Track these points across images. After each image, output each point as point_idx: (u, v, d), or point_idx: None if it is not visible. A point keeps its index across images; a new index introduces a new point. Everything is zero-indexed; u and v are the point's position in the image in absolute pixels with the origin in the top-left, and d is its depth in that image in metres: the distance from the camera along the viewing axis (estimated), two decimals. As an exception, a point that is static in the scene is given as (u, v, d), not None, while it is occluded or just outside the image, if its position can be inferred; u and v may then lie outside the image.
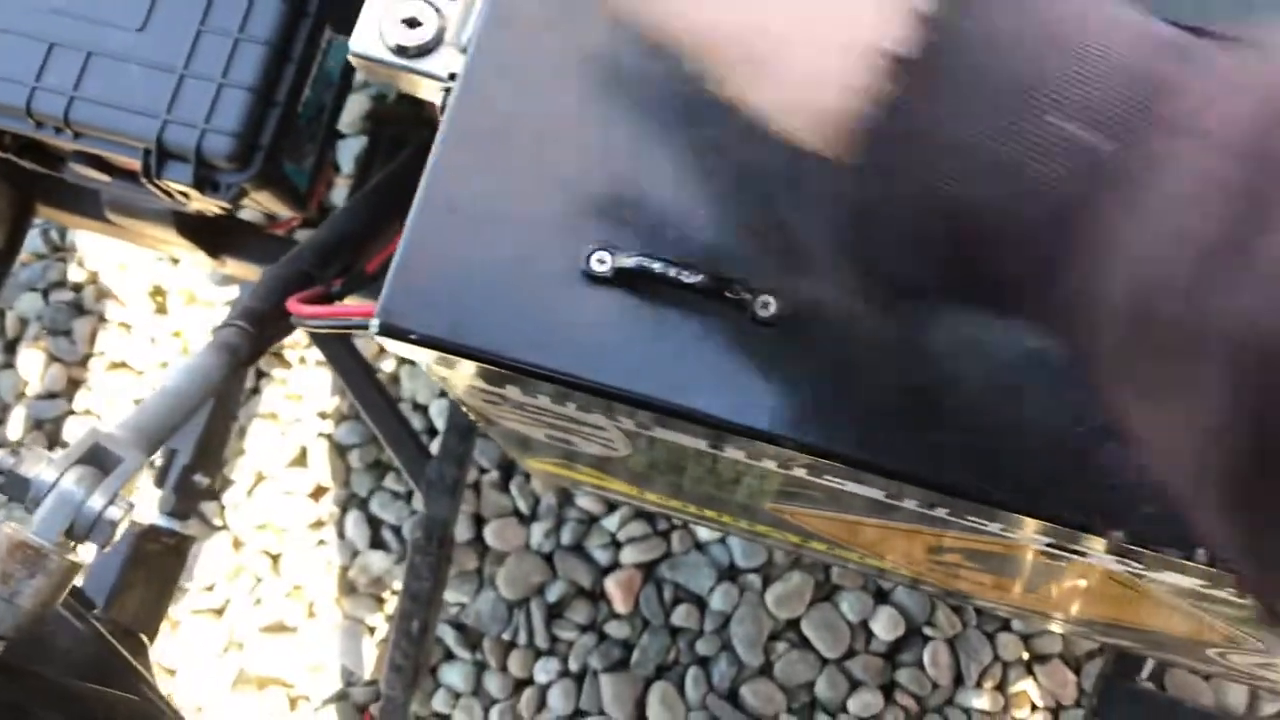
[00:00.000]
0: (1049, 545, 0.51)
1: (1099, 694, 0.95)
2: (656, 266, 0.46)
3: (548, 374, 0.47)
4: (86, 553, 0.55)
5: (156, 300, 1.38)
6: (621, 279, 0.47)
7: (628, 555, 1.27)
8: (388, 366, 1.33)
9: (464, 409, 0.69)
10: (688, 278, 0.46)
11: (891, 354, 0.46)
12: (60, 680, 0.54)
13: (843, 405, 0.46)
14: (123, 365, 1.37)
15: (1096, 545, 0.47)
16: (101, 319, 1.38)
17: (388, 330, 0.48)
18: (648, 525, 1.28)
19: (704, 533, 1.28)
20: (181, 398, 0.62)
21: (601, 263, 0.47)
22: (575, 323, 0.47)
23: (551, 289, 0.48)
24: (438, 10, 0.56)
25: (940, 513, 0.51)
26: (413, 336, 0.47)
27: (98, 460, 0.55)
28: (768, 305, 0.46)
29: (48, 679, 0.54)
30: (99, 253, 1.38)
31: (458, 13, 0.54)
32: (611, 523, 1.28)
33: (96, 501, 0.54)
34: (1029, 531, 0.49)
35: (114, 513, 0.54)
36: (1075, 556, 0.51)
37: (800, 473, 0.52)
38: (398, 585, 1.29)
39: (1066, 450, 0.45)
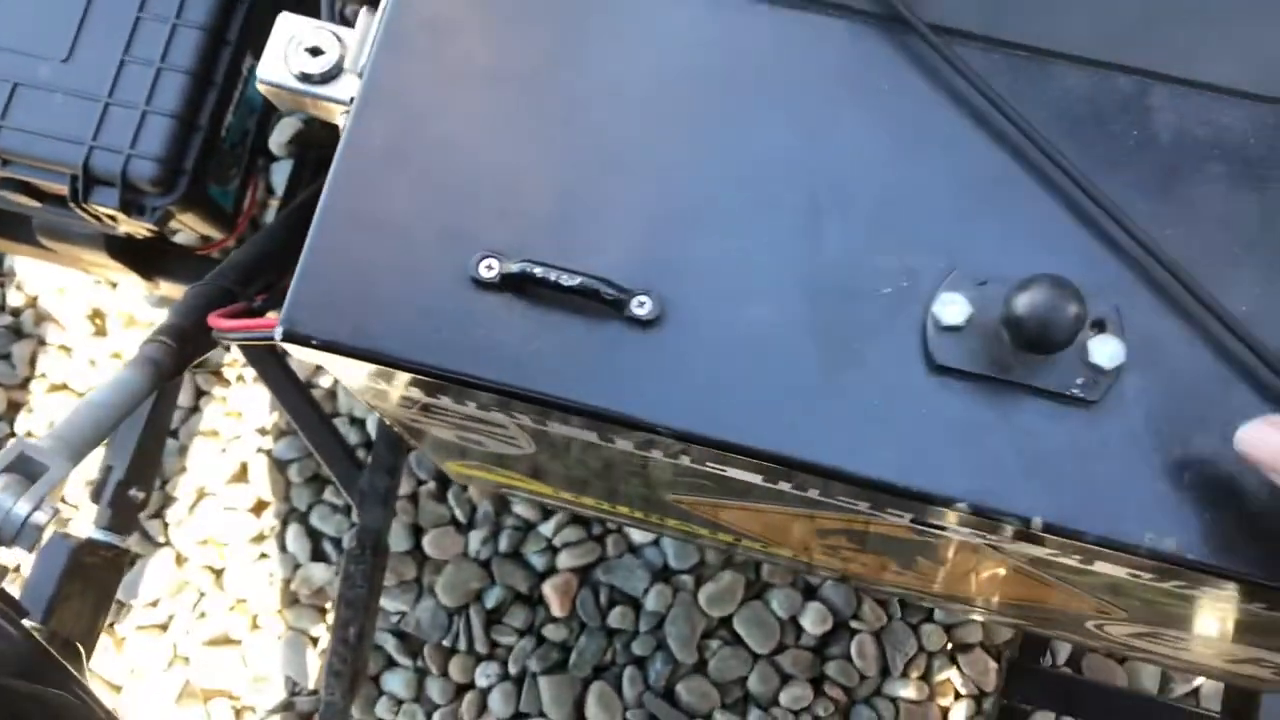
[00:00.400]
0: (912, 521, 0.55)
1: (1006, 676, 1.00)
2: (538, 271, 0.50)
3: (441, 373, 0.51)
4: (17, 559, 0.58)
5: (95, 323, 1.40)
6: (508, 283, 0.51)
7: (564, 560, 1.31)
8: (325, 382, 1.36)
9: (386, 419, 0.72)
10: (566, 281, 0.50)
11: (754, 347, 0.50)
12: (-8, 680, 0.57)
13: (712, 393, 0.50)
14: (63, 387, 1.39)
15: (952, 519, 0.52)
16: (41, 342, 1.40)
17: (291, 336, 0.51)
18: (583, 530, 1.32)
19: (638, 536, 1.32)
20: (105, 409, 0.65)
21: (489, 269, 0.51)
22: (466, 324, 0.51)
23: (444, 294, 0.51)
24: (338, 39, 0.60)
25: (812, 493, 0.55)
26: (314, 342, 0.51)
27: (24, 469, 0.58)
28: (643, 304, 0.51)
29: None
30: (37, 277, 1.41)
31: (355, 42, 0.58)
32: (547, 529, 1.32)
33: (23, 507, 0.57)
34: (872, 506, 0.53)
35: (39, 517, 0.57)
36: (937, 531, 0.56)
37: (684, 460, 0.56)
38: (339, 596, 1.32)
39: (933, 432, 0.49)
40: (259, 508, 1.35)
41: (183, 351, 0.71)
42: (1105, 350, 0.48)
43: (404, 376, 0.53)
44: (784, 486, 0.55)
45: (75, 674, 0.66)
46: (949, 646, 1.30)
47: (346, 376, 0.59)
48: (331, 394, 1.36)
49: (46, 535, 0.57)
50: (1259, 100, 0.52)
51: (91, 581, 0.87)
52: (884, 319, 0.50)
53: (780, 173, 0.52)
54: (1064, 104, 0.52)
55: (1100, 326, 0.48)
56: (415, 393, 0.57)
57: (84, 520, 0.95)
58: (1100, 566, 0.54)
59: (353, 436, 1.33)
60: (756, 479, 0.55)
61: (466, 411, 0.59)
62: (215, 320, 0.69)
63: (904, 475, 0.49)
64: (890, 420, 0.49)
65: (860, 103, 0.52)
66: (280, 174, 1.36)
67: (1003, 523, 0.49)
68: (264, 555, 1.34)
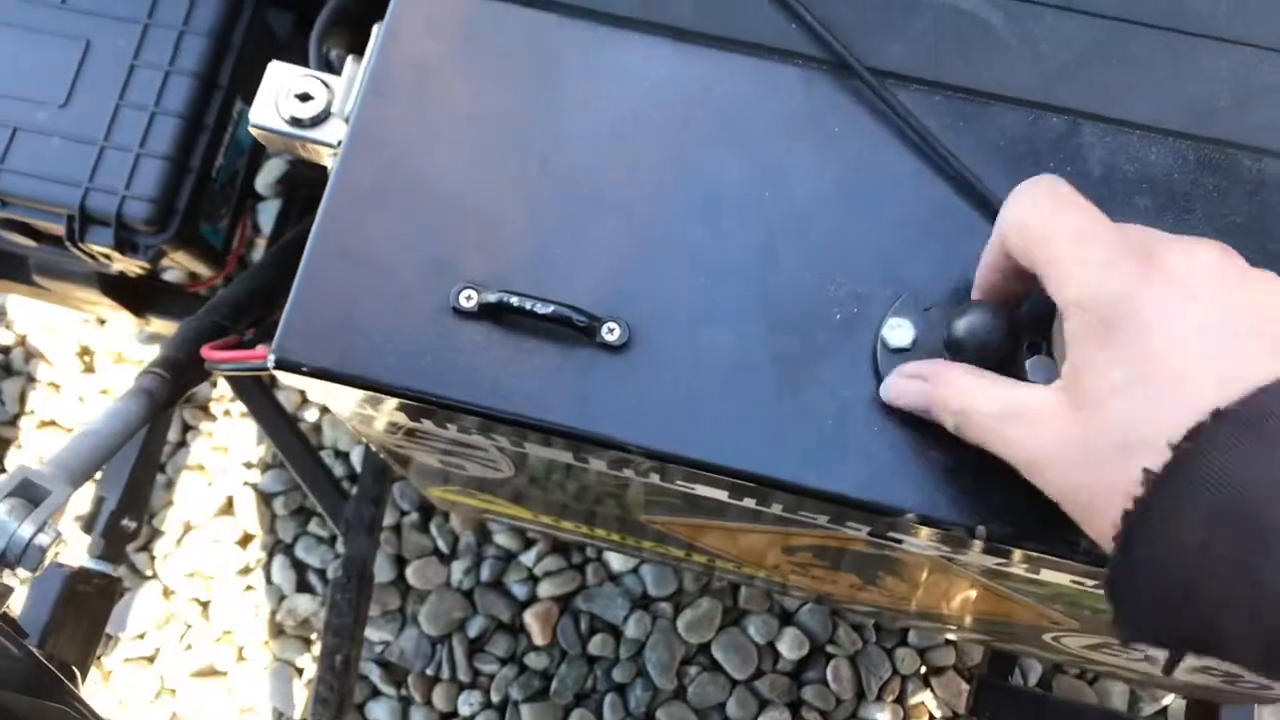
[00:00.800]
0: (869, 534, 0.59)
1: (975, 693, 1.03)
2: (514, 300, 0.54)
3: (424, 397, 0.54)
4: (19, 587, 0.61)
5: (84, 360, 1.43)
6: (485, 312, 0.54)
7: (545, 589, 1.34)
8: (311, 416, 1.39)
9: (372, 447, 0.75)
10: (540, 309, 0.53)
11: (716, 370, 0.54)
12: (-3, 692, 0.60)
13: (677, 413, 0.54)
14: (52, 424, 1.42)
15: (905, 531, 0.55)
16: (30, 379, 1.43)
17: (282, 364, 0.55)
18: (563, 559, 1.35)
19: (617, 565, 1.35)
20: (103, 437, 0.68)
21: (468, 299, 0.55)
22: (448, 351, 0.55)
23: (426, 323, 0.55)
24: (326, 85, 0.64)
25: (776, 508, 0.58)
26: (304, 369, 0.54)
27: (27, 493, 0.61)
28: (613, 331, 0.54)
29: (-17, 694, 0.60)
30: (27, 315, 1.43)
31: (342, 88, 0.62)
32: (529, 558, 1.35)
33: (26, 530, 0.60)
34: (832, 519, 0.56)
35: (43, 540, 0.60)
36: (893, 544, 0.59)
37: (654, 479, 0.59)
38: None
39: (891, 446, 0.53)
40: (245, 540, 1.37)
41: (176, 383, 0.74)
42: (1041, 370, 0.51)
43: (389, 401, 0.56)
44: (749, 503, 0.58)
45: (76, 691, 0.69)
46: (922, 670, 1.33)
47: (334, 403, 0.62)
48: (317, 427, 1.39)
49: (49, 557, 0.60)
50: (1180, 137, 0.56)
51: (85, 609, 0.89)
52: (836, 342, 0.54)
53: (738, 209, 0.56)
54: (1001, 142, 0.56)
55: (1035, 348, 0.52)
56: (400, 417, 0.61)
57: (76, 550, 0.98)
58: (1047, 575, 0.58)
59: (338, 468, 1.36)
60: (723, 495, 0.58)
61: (449, 435, 0.62)
62: (208, 352, 0.73)
63: (857, 488, 0.53)
64: (844, 436, 0.53)
65: (812, 143, 0.56)
66: (266, 213, 1.40)
67: (950, 532, 0.53)
68: (250, 587, 1.36)
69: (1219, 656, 0.42)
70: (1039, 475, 0.46)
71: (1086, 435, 0.43)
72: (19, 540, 0.59)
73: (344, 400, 0.59)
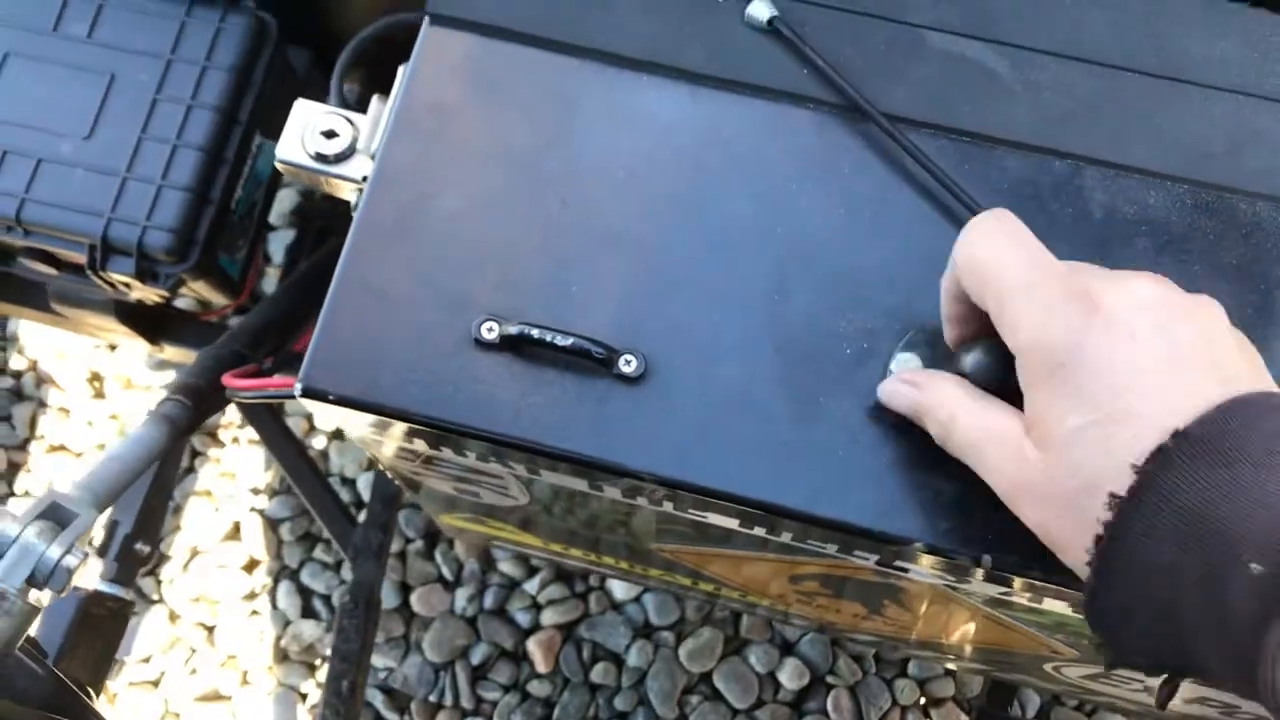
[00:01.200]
0: (877, 563, 0.60)
1: (975, 723, 1.05)
2: (534, 333, 0.55)
3: (446, 425, 0.56)
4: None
5: (94, 385, 1.45)
6: (507, 344, 0.56)
7: (548, 617, 1.35)
8: (319, 443, 1.41)
9: (387, 472, 0.77)
10: (560, 341, 0.55)
11: (730, 401, 0.56)
12: (20, 709, 0.61)
13: (692, 442, 0.55)
14: (61, 448, 1.43)
15: (918, 562, 0.57)
16: (41, 404, 1.44)
17: (310, 393, 0.56)
18: (566, 588, 1.36)
19: (620, 593, 1.36)
20: (127, 462, 0.70)
21: (490, 331, 0.56)
22: (469, 381, 0.56)
23: (449, 354, 0.57)
24: (351, 123, 0.66)
25: (785, 537, 0.60)
26: (331, 397, 0.56)
27: (55, 516, 0.63)
28: (630, 362, 0.56)
29: (6, 711, 0.61)
30: (38, 341, 1.45)
31: (368, 125, 0.64)
32: (532, 586, 1.36)
33: (55, 552, 0.61)
34: (840, 548, 0.58)
35: (70, 561, 0.61)
36: (899, 573, 0.61)
37: (667, 507, 0.61)
38: (329, 652, 1.35)
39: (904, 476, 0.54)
40: (251, 565, 1.39)
41: (197, 410, 0.76)
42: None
43: (411, 429, 0.58)
44: (759, 531, 0.60)
45: (95, 711, 0.70)
46: (922, 701, 1.34)
47: (354, 430, 0.63)
48: (324, 454, 1.40)
49: (76, 578, 0.61)
50: (1178, 181, 0.58)
51: (98, 632, 0.91)
52: (846, 375, 0.55)
53: (752, 245, 0.58)
54: (1006, 184, 0.58)
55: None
56: (419, 445, 0.62)
57: (89, 572, 0.99)
58: (1050, 604, 0.59)
59: (344, 495, 1.38)
60: (734, 524, 0.60)
61: (466, 463, 0.64)
62: (229, 380, 0.74)
63: (866, 518, 0.54)
64: (853, 467, 0.55)
65: (823, 182, 0.58)
66: (276, 243, 1.42)
67: (955, 561, 0.54)
68: (255, 612, 1.37)
69: (1199, 678, 0.44)
70: (1014, 504, 0.48)
71: (1053, 476, 0.45)
72: (47, 562, 0.61)
73: (364, 427, 0.61)
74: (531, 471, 0.61)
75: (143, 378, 1.44)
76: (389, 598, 1.34)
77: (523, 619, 1.35)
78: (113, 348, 1.44)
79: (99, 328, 1.06)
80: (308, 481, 1.13)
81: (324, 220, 1.15)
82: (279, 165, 0.67)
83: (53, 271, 0.93)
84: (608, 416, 0.56)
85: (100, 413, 1.43)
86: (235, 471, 1.41)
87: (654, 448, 0.56)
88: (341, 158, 0.65)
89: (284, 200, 1.39)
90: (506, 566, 1.37)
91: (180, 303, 1.24)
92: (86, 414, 1.43)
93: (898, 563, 0.59)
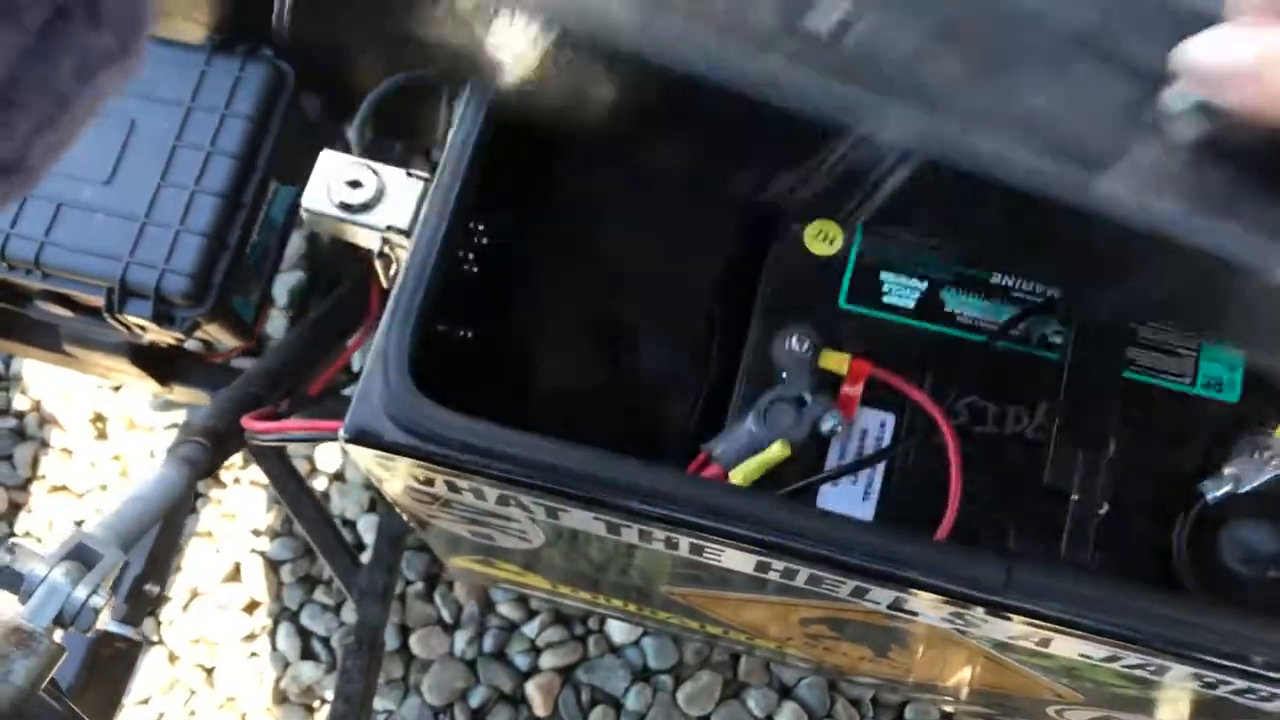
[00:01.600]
0: (889, 608, 0.62)
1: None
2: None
3: (494, 474, 0.58)
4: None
5: (97, 426, 1.45)
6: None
7: (547, 660, 1.35)
8: (320, 485, 1.41)
9: (400, 512, 0.78)
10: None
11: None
12: (44, 748, 0.62)
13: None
14: (63, 489, 1.43)
15: (923, 603, 0.58)
16: (44, 445, 1.45)
17: (356, 439, 0.58)
18: (565, 630, 1.36)
19: (619, 636, 1.36)
20: (150, 503, 0.71)
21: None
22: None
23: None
24: (376, 173, 0.68)
25: (800, 580, 0.61)
26: (378, 443, 0.58)
27: (81, 556, 0.64)
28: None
29: (31, 750, 0.62)
30: (42, 381, 1.46)
31: (394, 178, 0.66)
32: (531, 629, 1.37)
33: (81, 592, 0.62)
34: (859, 593, 0.59)
35: (96, 601, 0.62)
36: (909, 615, 0.62)
37: (684, 551, 0.62)
38: (328, 694, 1.35)
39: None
40: (251, 607, 1.39)
41: (216, 451, 0.77)
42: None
43: (445, 474, 0.59)
44: (773, 576, 0.61)
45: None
46: (918, 745, 1.34)
47: (386, 474, 0.65)
48: (325, 496, 1.41)
49: (101, 618, 0.62)
50: None
51: (107, 673, 0.91)
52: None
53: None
54: None
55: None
56: (439, 488, 0.64)
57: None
58: (1057, 648, 0.61)
59: (345, 537, 1.38)
60: (749, 567, 0.62)
61: (484, 506, 0.65)
62: (249, 423, 0.76)
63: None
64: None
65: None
66: (279, 286, 1.43)
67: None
68: (254, 654, 1.37)
69: None
70: None
71: None
72: (74, 602, 0.62)
73: (399, 473, 0.62)
74: (551, 515, 0.63)
75: (146, 419, 1.45)
76: (388, 639, 1.35)
77: (521, 662, 1.36)
78: (117, 389, 1.45)
79: (110, 369, 1.07)
80: (312, 521, 1.14)
81: (334, 266, 1.17)
82: (304, 214, 0.69)
83: (69, 314, 0.95)
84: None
85: (103, 454, 1.44)
86: (236, 513, 1.41)
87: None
88: (366, 207, 0.67)
89: (290, 244, 1.40)
90: (506, 609, 1.38)
91: (188, 344, 1.26)
92: (89, 455, 1.44)
93: (907, 608, 0.61)
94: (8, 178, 0.21)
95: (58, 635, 0.63)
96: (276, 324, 1.41)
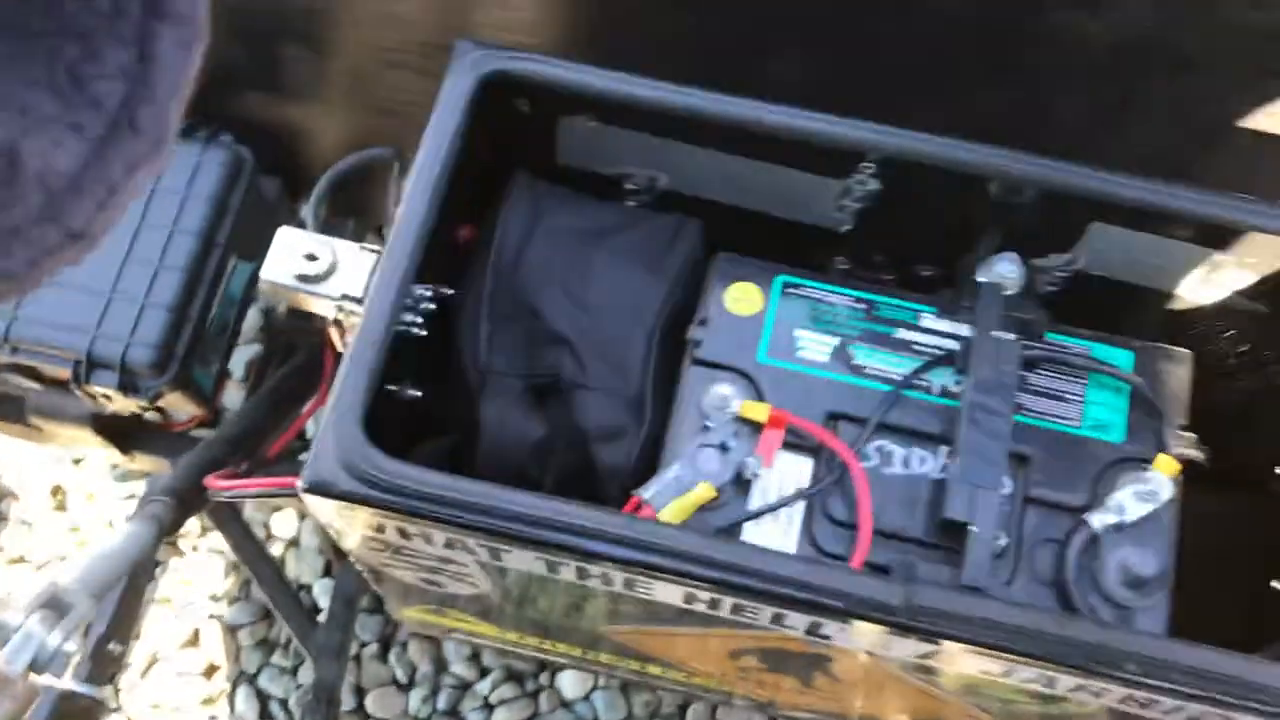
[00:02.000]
0: (805, 632, 0.68)
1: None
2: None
3: (442, 519, 0.63)
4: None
5: (56, 498, 1.48)
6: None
7: (500, 716, 1.39)
8: (276, 551, 1.45)
9: (356, 565, 0.83)
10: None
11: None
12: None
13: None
14: (21, 560, 1.46)
15: (835, 626, 0.64)
16: (2, 517, 1.48)
17: (314, 489, 0.63)
18: (518, 687, 1.40)
19: (569, 691, 1.40)
20: (118, 558, 0.76)
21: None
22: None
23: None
24: (330, 247, 0.74)
25: (724, 610, 0.67)
26: (334, 492, 0.63)
27: (55, 605, 0.68)
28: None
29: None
30: (1, 454, 1.49)
31: (347, 252, 0.72)
32: (484, 687, 1.40)
33: (55, 639, 0.67)
34: (773, 619, 0.65)
35: (69, 648, 0.67)
36: (824, 640, 0.68)
37: (617, 586, 0.68)
38: (285, 757, 1.38)
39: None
40: (210, 671, 1.42)
41: (180, 510, 0.82)
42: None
43: (396, 520, 0.65)
44: (700, 606, 0.67)
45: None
46: (862, 788, 1.39)
47: (342, 524, 0.70)
48: (281, 561, 1.45)
49: (74, 663, 0.67)
50: None
51: (71, 730, 0.94)
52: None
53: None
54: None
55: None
56: (390, 535, 0.69)
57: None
58: (958, 665, 0.67)
59: (301, 600, 1.42)
60: (679, 600, 0.67)
61: (433, 551, 0.71)
62: (212, 481, 0.81)
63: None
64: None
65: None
66: (236, 358, 1.48)
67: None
68: (214, 718, 1.40)
69: None
70: None
71: None
72: (48, 648, 0.66)
73: (352, 522, 0.68)
74: (494, 556, 0.68)
75: (107, 489, 1.49)
76: (344, 700, 1.38)
77: (475, 719, 1.39)
78: (77, 461, 1.48)
79: (73, 439, 1.11)
80: (271, 582, 1.18)
81: (290, 336, 1.22)
82: (262, 286, 0.74)
83: (36, 386, 0.99)
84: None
85: (62, 525, 1.47)
86: (194, 580, 1.44)
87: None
88: (321, 278, 0.73)
89: (247, 318, 1.46)
90: (459, 668, 1.41)
91: (147, 415, 1.30)
92: (48, 527, 1.47)
93: (822, 630, 0.67)
94: (77, 243, 0.31)
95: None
96: (233, 396, 1.45)
